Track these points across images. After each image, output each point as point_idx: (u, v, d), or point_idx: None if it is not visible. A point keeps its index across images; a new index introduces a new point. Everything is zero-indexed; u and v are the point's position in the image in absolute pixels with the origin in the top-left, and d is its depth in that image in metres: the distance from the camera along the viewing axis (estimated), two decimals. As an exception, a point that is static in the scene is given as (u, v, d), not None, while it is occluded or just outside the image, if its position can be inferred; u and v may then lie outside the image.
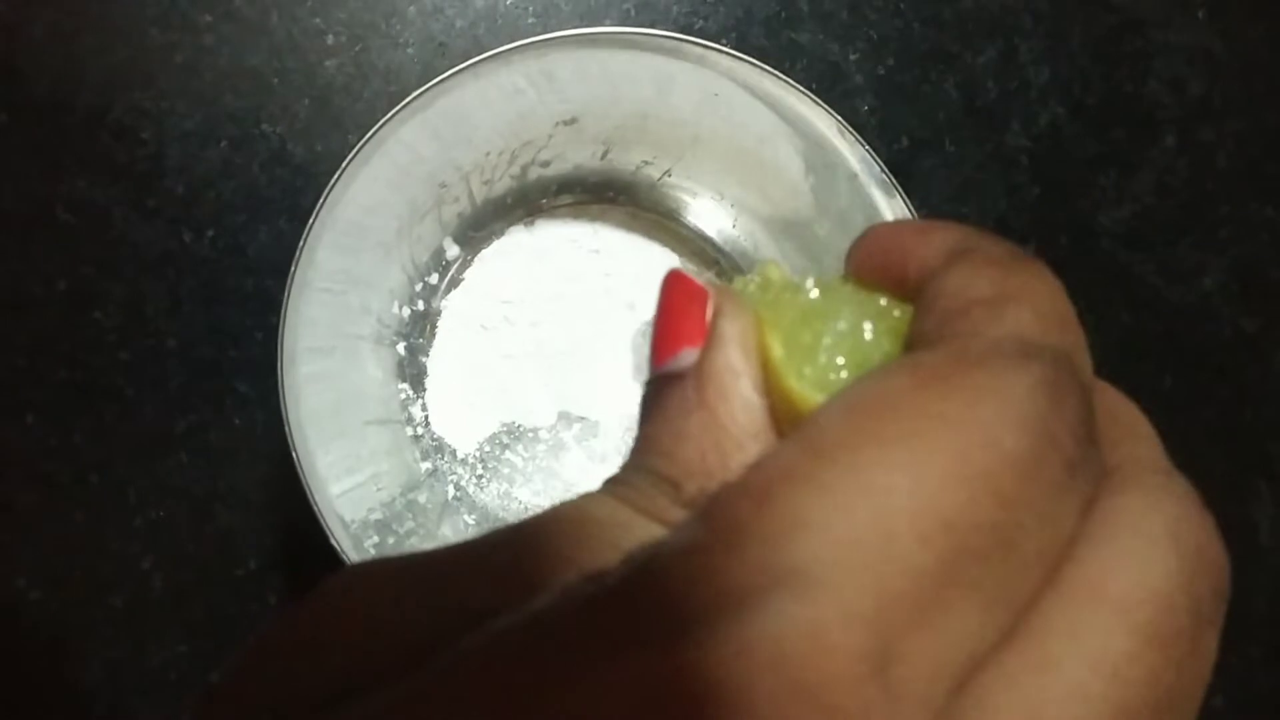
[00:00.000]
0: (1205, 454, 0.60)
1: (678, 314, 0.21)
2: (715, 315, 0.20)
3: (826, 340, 0.20)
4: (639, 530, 0.18)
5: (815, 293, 0.21)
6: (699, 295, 0.21)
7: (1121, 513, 0.17)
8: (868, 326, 0.20)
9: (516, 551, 0.18)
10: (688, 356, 0.20)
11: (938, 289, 0.19)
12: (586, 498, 0.19)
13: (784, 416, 0.20)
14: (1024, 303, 0.18)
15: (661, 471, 0.19)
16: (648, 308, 0.56)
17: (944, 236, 0.20)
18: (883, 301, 0.21)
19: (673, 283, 0.21)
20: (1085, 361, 0.18)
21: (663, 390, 0.20)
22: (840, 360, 0.20)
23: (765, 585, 0.14)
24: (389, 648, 0.16)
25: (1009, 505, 0.15)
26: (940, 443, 0.15)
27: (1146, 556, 0.16)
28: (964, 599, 0.15)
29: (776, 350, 0.20)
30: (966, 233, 0.20)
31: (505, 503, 0.54)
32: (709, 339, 0.20)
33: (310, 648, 0.17)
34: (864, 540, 0.14)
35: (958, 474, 0.15)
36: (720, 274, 0.57)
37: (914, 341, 0.19)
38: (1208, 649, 0.17)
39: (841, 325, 0.20)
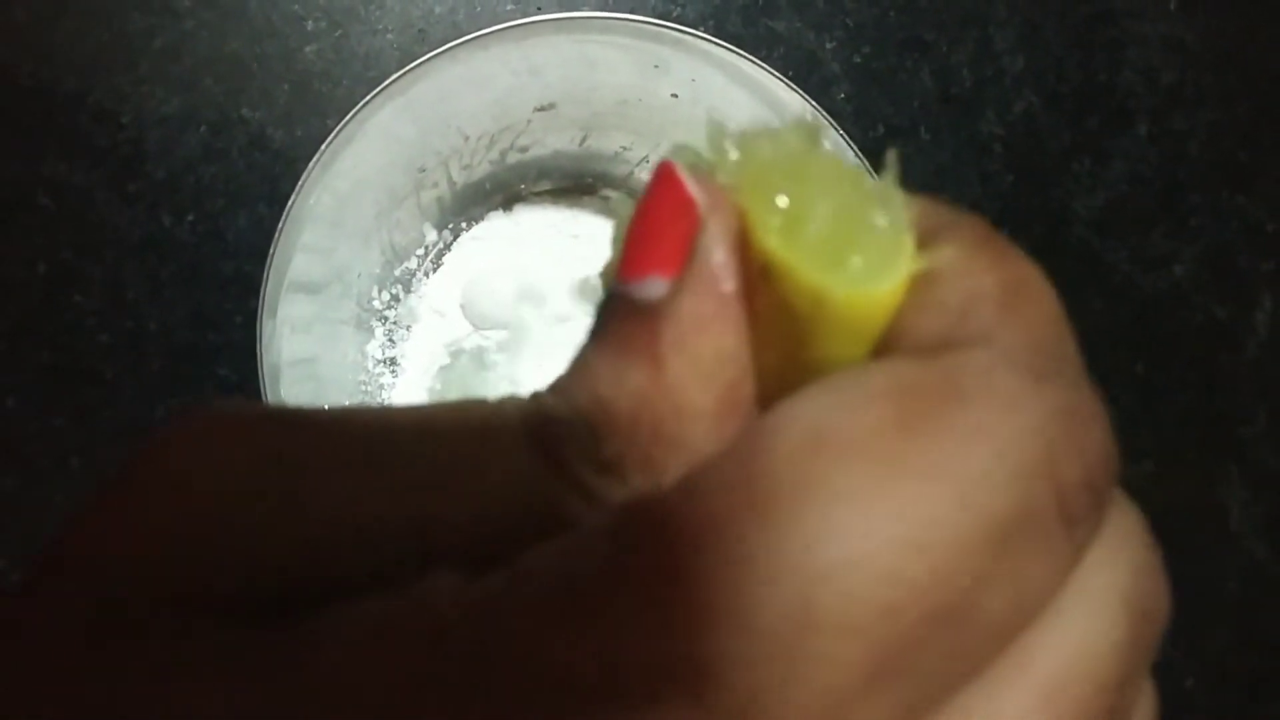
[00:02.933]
0: (1177, 439, 0.61)
1: (657, 229, 0.16)
2: (699, 243, 0.16)
3: (822, 206, 0.16)
4: (542, 488, 0.15)
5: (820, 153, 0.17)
6: (686, 211, 0.16)
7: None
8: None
9: (419, 470, 0.15)
10: (655, 287, 0.16)
11: (933, 272, 0.15)
12: (503, 428, 0.16)
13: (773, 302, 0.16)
14: (1033, 302, 0.15)
15: (588, 416, 0.15)
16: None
17: (914, 210, 0.16)
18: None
19: (662, 183, 0.16)
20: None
21: (620, 315, 0.16)
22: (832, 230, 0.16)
23: (658, 681, 0.12)
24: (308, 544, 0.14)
25: (974, 584, 0.13)
26: (908, 505, 0.12)
27: (1089, 627, 0.14)
28: (888, 692, 0.12)
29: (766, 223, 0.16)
30: (931, 203, 0.17)
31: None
32: (683, 275, 0.16)
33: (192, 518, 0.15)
34: (779, 632, 0.12)
35: (919, 546, 0.12)
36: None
37: (911, 341, 0.15)
38: (1140, 702, 0.16)
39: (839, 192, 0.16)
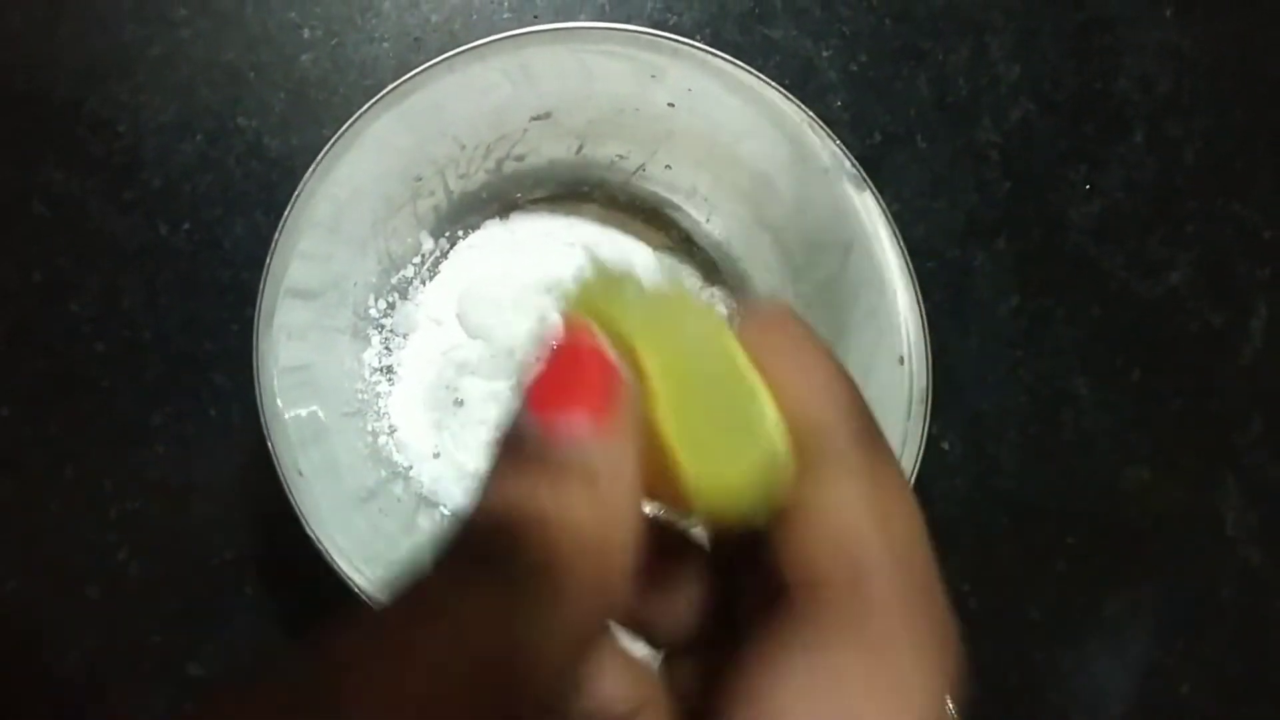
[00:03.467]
0: (1172, 446, 0.61)
1: (576, 371, 0.20)
2: (621, 397, 0.20)
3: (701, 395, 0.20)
4: (494, 626, 0.18)
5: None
6: (604, 365, 0.20)
7: None
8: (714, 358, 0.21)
9: (357, 674, 0.17)
10: (583, 426, 0.19)
11: (820, 515, 0.20)
12: (435, 599, 0.18)
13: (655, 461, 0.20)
14: (906, 536, 0.20)
15: (542, 562, 0.18)
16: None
17: (819, 397, 0.21)
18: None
19: (573, 334, 0.20)
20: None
21: (549, 447, 0.19)
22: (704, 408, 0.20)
23: None
24: None
25: None
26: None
27: None
28: None
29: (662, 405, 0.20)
30: (839, 399, 0.21)
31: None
32: (613, 423, 0.20)
33: None
34: None
35: None
36: (698, 267, 0.58)
37: (809, 575, 0.20)
38: None
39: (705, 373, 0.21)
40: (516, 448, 0.20)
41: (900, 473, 0.21)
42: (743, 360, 0.21)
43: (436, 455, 0.54)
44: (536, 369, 0.20)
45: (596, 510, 0.19)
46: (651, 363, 0.20)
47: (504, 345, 0.55)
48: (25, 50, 0.58)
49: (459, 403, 0.55)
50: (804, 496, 0.20)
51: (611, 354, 0.20)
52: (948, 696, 0.19)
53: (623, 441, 0.20)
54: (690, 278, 0.58)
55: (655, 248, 0.58)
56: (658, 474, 0.20)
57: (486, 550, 0.19)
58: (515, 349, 0.55)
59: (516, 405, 0.20)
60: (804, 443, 0.21)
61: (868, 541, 0.20)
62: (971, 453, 0.60)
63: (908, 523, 0.21)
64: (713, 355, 0.20)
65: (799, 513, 0.20)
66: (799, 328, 0.22)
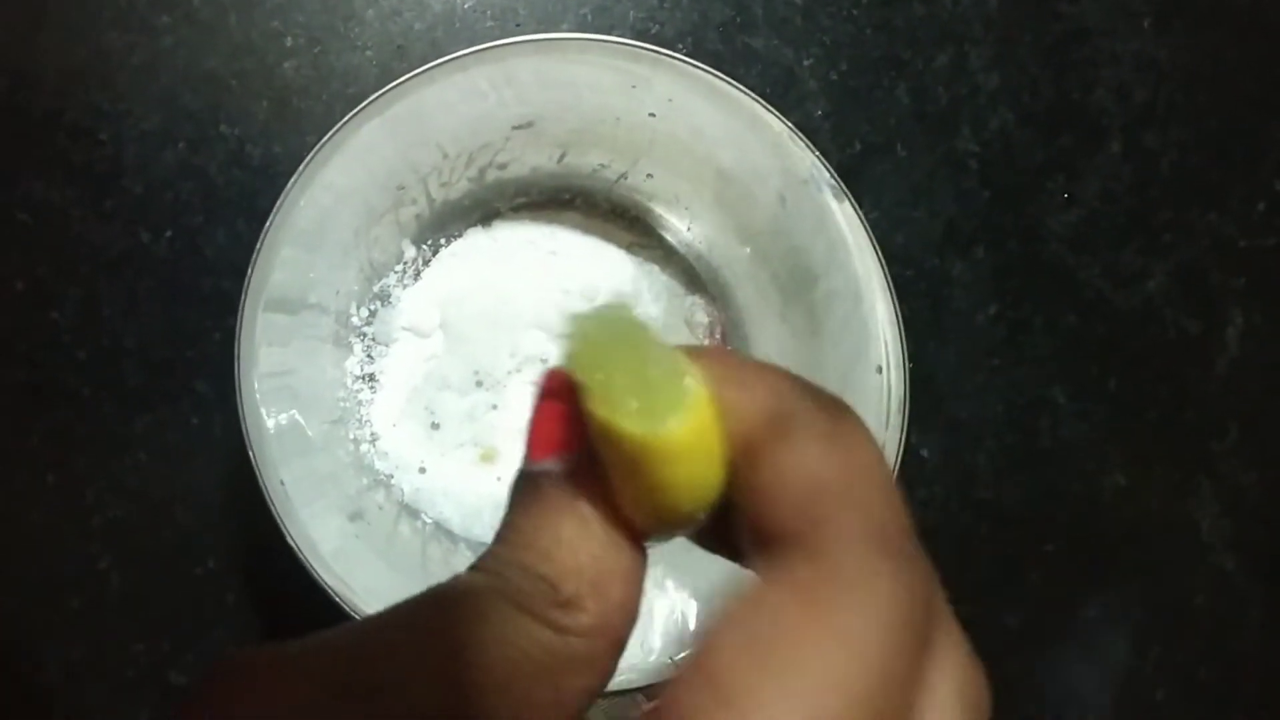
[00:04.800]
0: (1148, 453, 0.62)
1: (554, 417, 0.22)
2: (594, 432, 0.21)
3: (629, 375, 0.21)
4: (528, 633, 0.20)
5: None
6: (571, 403, 0.21)
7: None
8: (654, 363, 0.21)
9: (412, 659, 0.19)
10: (562, 462, 0.21)
11: (781, 475, 0.20)
12: (474, 597, 0.20)
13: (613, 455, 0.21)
14: (865, 483, 0.20)
15: (540, 571, 0.20)
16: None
17: (764, 393, 0.21)
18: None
19: (550, 385, 0.22)
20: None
21: (539, 488, 0.22)
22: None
23: None
24: None
25: (886, 716, 0.17)
26: (832, 674, 0.17)
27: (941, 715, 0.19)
28: None
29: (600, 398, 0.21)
30: (783, 386, 0.21)
31: (459, 506, 0.55)
32: (583, 449, 0.21)
33: None
34: None
35: (848, 704, 0.17)
36: (679, 276, 0.58)
37: (773, 534, 0.20)
38: None
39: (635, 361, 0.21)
40: (522, 489, 0.22)
41: (864, 430, 0.21)
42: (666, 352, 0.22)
43: (422, 471, 0.55)
44: (533, 415, 0.22)
45: (591, 546, 0.21)
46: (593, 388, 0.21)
47: (485, 357, 0.55)
48: (5, 58, 0.58)
49: (435, 426, 0.55)
50: (767, 461, 0.20)
51: (572, 402, 0.21)
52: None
53: (594, 483, 0.21)
54: (672, 286, 0.58)
55: (636, 256, 0.58)
56: (633, 497, 0.21)
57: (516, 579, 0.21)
58: (497, 361, 0.56)
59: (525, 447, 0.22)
60: (766, 424, 0.21)
61: (825, 492, 0.19)
62: (949, 461, 0.61)
63: (868, 473, 0.20)
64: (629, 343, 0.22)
65: (762, 476, 0.20)
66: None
